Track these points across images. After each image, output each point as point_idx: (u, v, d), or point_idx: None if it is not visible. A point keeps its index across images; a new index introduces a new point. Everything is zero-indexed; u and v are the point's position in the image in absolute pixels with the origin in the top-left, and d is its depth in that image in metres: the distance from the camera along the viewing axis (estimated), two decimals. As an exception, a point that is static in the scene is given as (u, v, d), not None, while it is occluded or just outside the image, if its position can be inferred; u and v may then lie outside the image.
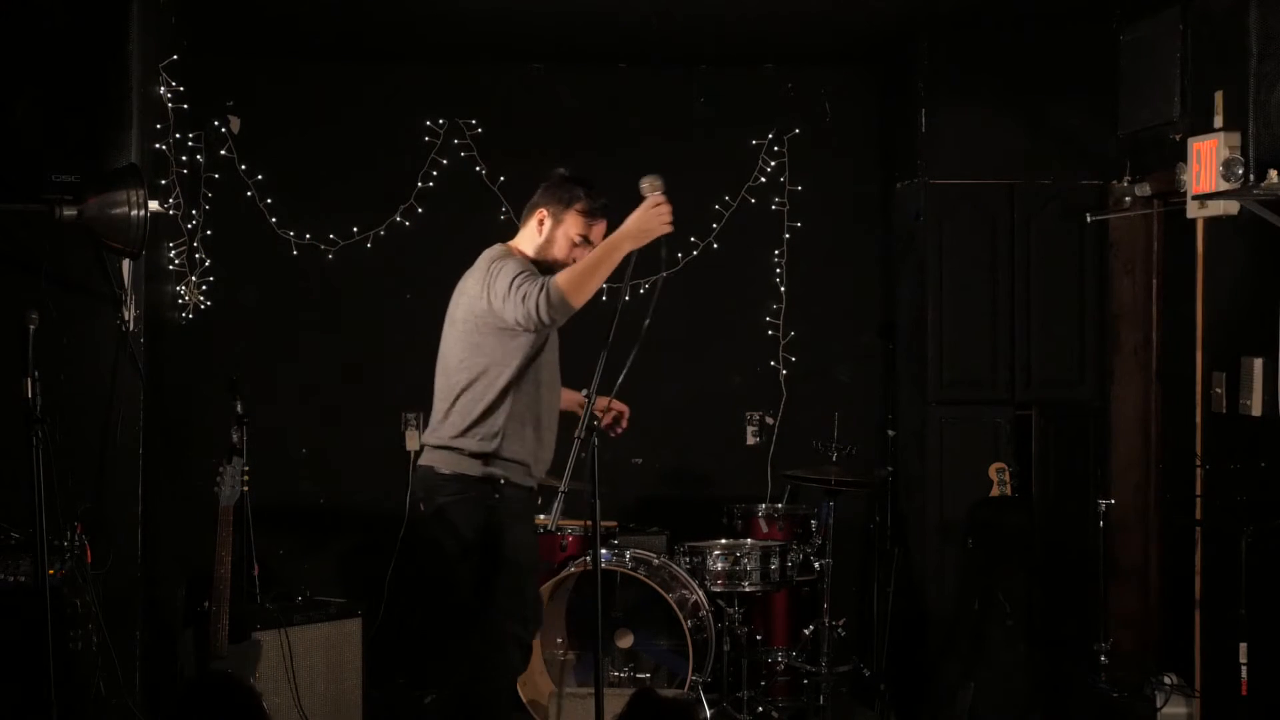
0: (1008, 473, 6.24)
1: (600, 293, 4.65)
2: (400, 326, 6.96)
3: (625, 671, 6.06)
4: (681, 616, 5.89)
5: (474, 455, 4.75)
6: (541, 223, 4.79)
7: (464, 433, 4.76)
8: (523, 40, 6.62)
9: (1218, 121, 5.15)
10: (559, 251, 4.76)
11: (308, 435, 6.92)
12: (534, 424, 4.77)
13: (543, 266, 4.75)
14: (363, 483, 6.92)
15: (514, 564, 4.73)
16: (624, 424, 4.99)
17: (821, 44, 6.73)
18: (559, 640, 6.19)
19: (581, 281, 4.51)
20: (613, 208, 4.76)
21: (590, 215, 4.75)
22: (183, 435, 6.29)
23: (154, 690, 5.43)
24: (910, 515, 6.62)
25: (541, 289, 4.51)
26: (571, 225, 4.75)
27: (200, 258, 6.62)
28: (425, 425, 6.86)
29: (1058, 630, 6.13)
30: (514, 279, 4.58)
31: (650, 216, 4.51)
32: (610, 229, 4.68)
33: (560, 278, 4.53)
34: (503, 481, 4.74)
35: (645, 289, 6.86)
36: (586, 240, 4.74)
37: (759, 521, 6.40)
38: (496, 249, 4.83)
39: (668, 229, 4.51)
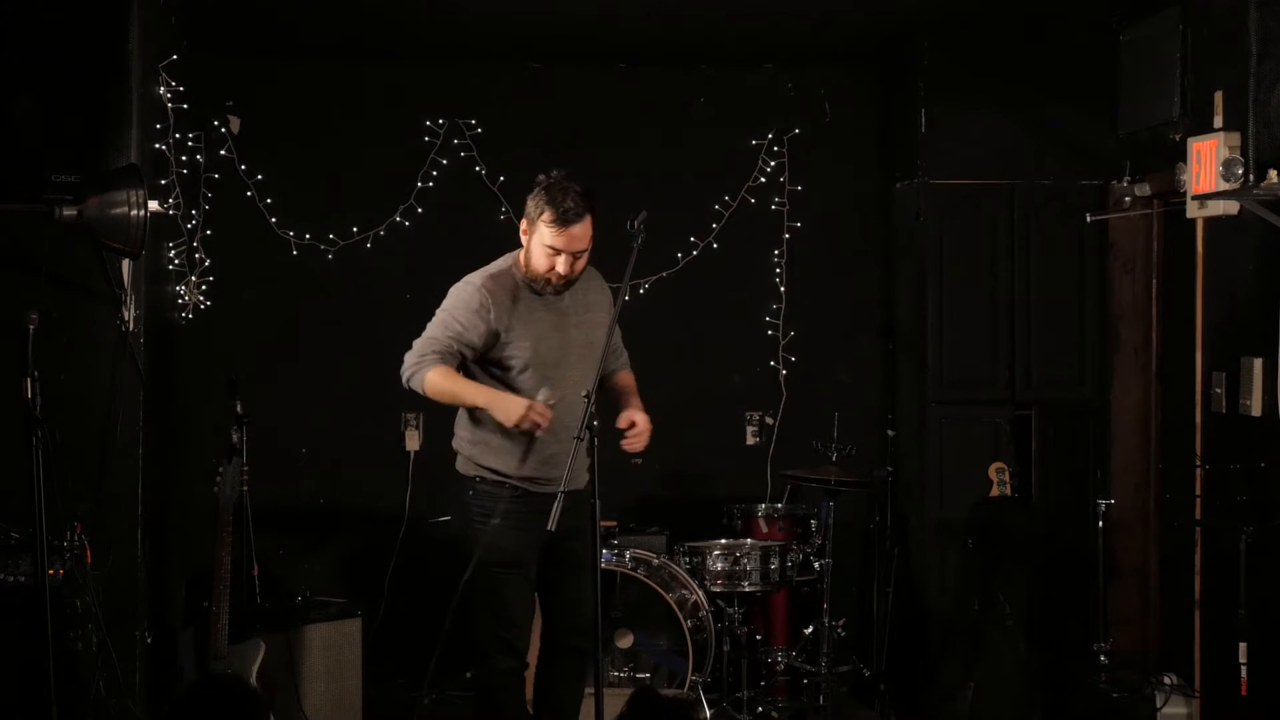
0: (1008, 473, 6.24)
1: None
2: (400, 326, 6.94)
3: (625, 671, 6.06)
4: (681, 616, 5.89)
5: (457, 448, 4.87)
6: (524, 234, 4.80)
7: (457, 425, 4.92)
8: (523, 40, 6.62)
9: (1218, 121, 5.14)
10: (537, 264, 4.73)
11: (308, 435, 6.91)
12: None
13: (533, 279, 4.76)
14: (363, 483, 6.92)
15: (483, 564, 4.73)
16: (635, 439, 4.83)
17: (821, 44, 6.73)
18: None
19: (439, 395, 4.70)
20: (582, 208, 4.68)
21: (558, 224, 4.67)
22: (183, 435, 6.29)
23: (154, 690, 5.43)
24: (910, 515, 6.62)
25: (415, 371, 4.71)
26: (542, 236, 4.71)
27: (200, 258, 6.61)
28: (424, 425, 6.99)
29: (1058, 630, 6.13)
30: (427, 332, 4.79)
31: (514, 409, 4.56)
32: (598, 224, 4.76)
33: (431, 381, 4.67)
34: (478, 479, 4.76)
35: (645, 289, 6.88)
36: (557, 251, 4.68)
37: (759, 521, 6.40)
38: (492, 266, 4.87)
39: (520, 426, 4.58)
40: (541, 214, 4.69)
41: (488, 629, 4.77)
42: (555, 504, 4.35)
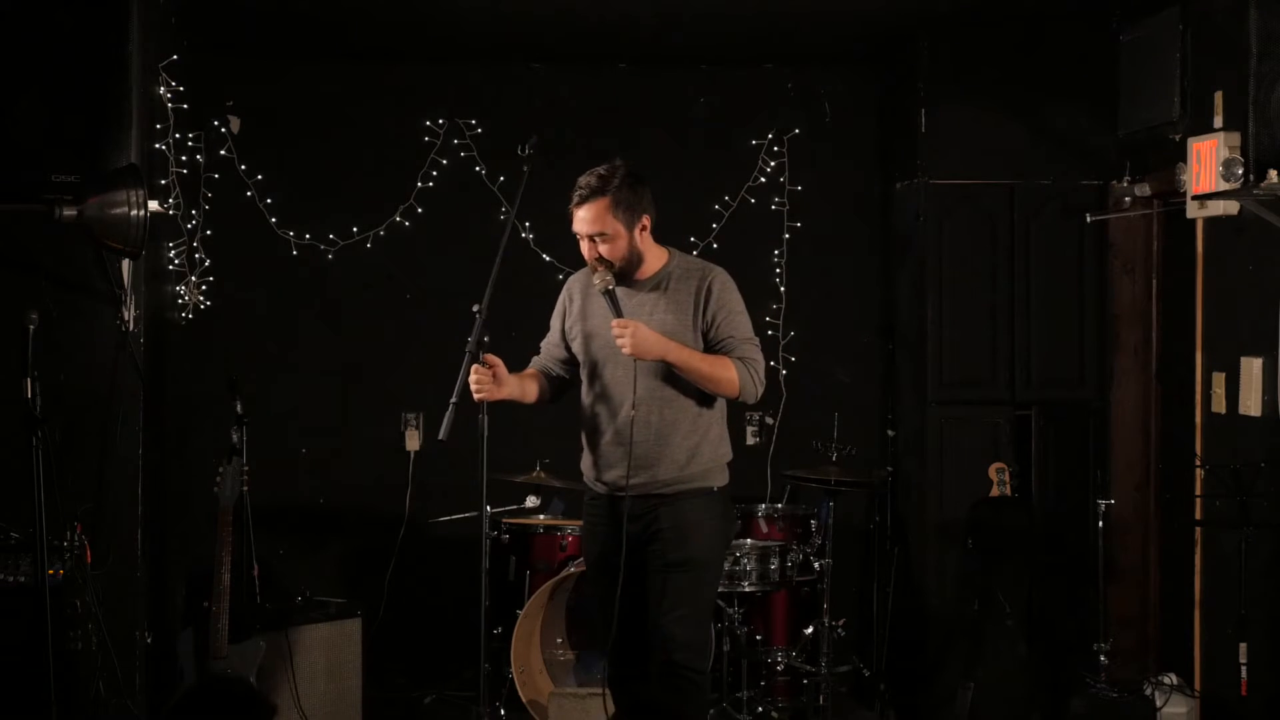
0: (1008, 473, 6.24)
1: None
2: (400, 326, 6.96)
3: (625, 671, 6.05)
4: (681, 616, 5.88)
5: None
6: None
7: None
8: (523, 40, 6.62)
9: (1218, 121, 5.15)
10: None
11: (308, 435, 6.92)
12: (589, 433, 4.67)
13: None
14: (363, 483, 6.92)
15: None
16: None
17: (821, 44, 6.73)
18: (559, 640, 6.19)
19: None
20: (588, 191, 4.57)
21: (572, 205, 4.61)
22: (183, 435, 6.29)
23: (154, 690, 5.43)
24: (910, 515, 6.62)
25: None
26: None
27: (200, 258, 6.61)
28: (424, 425, 6.99)
29: (1058, 630, 6.13)
30: None
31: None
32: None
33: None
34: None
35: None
36: (580, 235, 4.59)
37: (759, 521, 6.39)
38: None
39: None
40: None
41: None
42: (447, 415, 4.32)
